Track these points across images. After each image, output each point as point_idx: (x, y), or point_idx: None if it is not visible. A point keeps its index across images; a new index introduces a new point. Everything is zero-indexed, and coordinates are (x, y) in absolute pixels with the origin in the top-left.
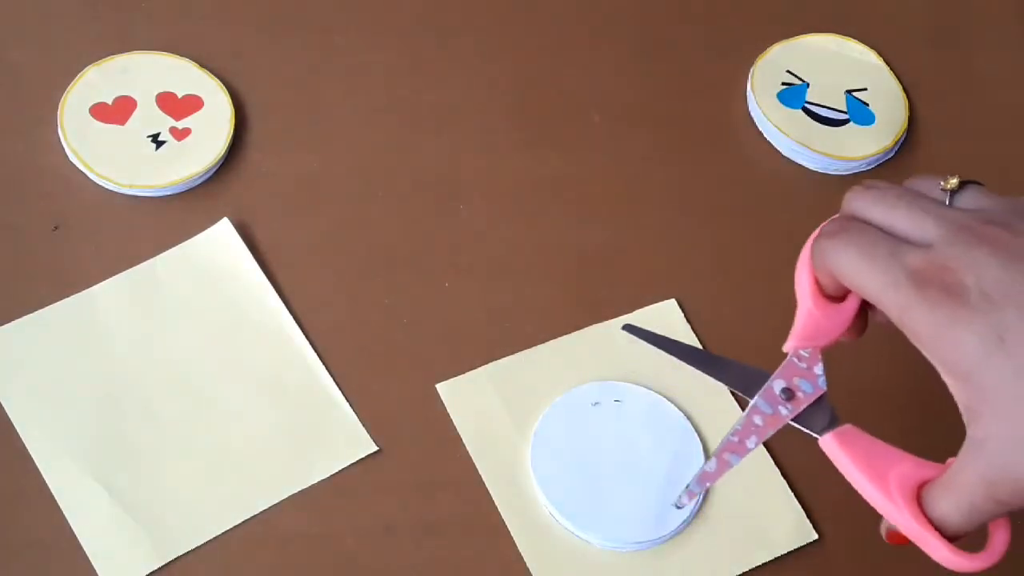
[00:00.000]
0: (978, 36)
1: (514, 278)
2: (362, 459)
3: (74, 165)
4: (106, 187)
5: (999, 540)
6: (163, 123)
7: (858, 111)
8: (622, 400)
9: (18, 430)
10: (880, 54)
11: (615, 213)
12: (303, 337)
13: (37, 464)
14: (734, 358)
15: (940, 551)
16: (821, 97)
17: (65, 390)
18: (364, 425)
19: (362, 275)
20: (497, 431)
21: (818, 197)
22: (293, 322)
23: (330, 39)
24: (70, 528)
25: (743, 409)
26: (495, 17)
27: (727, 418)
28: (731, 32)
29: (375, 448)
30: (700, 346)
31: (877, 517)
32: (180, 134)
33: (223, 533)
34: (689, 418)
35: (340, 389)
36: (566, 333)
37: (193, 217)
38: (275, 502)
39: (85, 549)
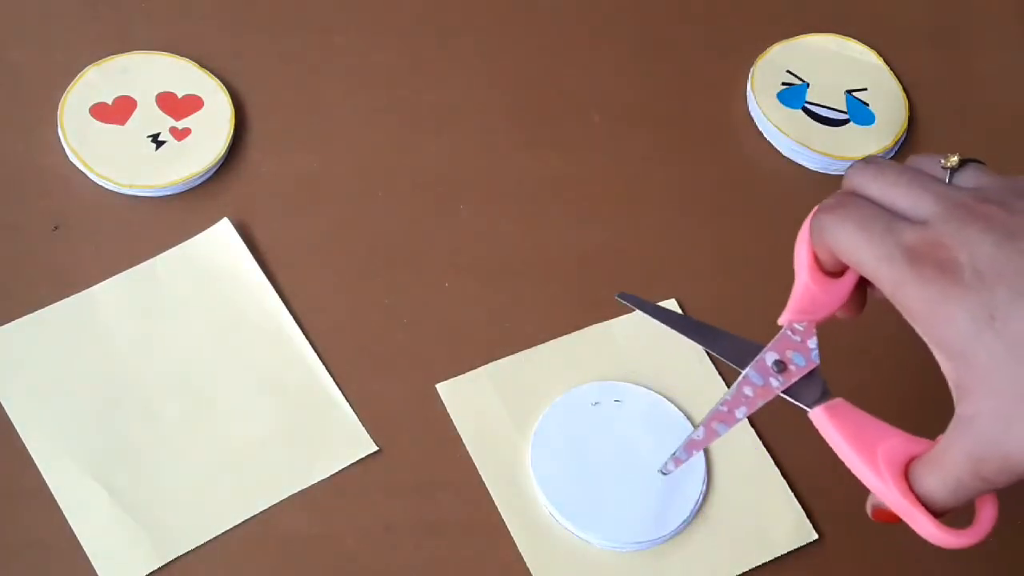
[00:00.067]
0: (978, 36)
1: (514, 278)
2: (362, 459)
3: (74, 165)
4: (106, 187)
5: (986, 517)
6: (163, 123)
7: (858, 111)
8: (622, 400)
9: (18, 430)
10: (880, 54)
11: (615, 213)
12: (303, 337)
13: (37, 464)
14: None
15: (926, 527)
16: (821, 97)
17: (65, 390)
18: (364, 425)
19: (362, 275)
20: (497, 431)
21: (818, 197)
22: (293, 322)
23: (330, 39)
24: (70, 528)
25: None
26: (495, 17)
27: None
28: (731, 32)
29: (375, 448)
30: (700, 346)
31: None
32: (180, 134)
33: (223, 533)
34: (689, 418)
35: (340, 389)
36: (566, 333)
37: (193, 217)
38: (275, 502)
39: (85, 549)
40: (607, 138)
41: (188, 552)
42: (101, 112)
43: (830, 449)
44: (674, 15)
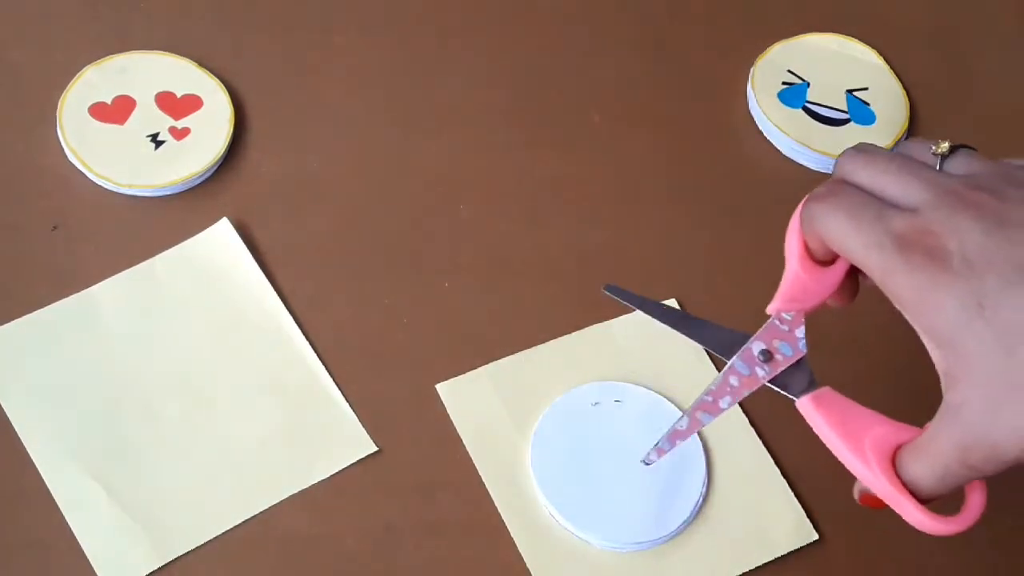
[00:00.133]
0: (978, 36)
1: (514, 278)
2: (362, 459)
3: (73, 165)
4: (106, 187)
5: (974, 504)
6: (162, 123)
7: (859, 111)
8: (622, 400)
9: (18, 430)
10: (881, 54)
11: (615, 213)
12: (303, 337)
13: (37, 464)
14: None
15: (914, 514)
16: (822, 97)
17: (64, 390)
18: (364, 425)
19: (362, 275)
20: (497, 431)
21: None
22: (293, 322)
23: (330, 39)
24: (70, 528)
25: (742, 408)
26: (495, 17)
27: (727, 418)
28: (731, 32)
29: (375, 448)
30: (699, 345)
31: (877, 518)
32: (179, 134)
33: (223, 533)
34: None
35: (340, 389)
36: (566, 333)
37: (193, 217)
38: (275, 502)
39: (84, 549)
40: (607, 138)
41: (188, 552)
42: (100, 112)
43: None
44: (674, 15)
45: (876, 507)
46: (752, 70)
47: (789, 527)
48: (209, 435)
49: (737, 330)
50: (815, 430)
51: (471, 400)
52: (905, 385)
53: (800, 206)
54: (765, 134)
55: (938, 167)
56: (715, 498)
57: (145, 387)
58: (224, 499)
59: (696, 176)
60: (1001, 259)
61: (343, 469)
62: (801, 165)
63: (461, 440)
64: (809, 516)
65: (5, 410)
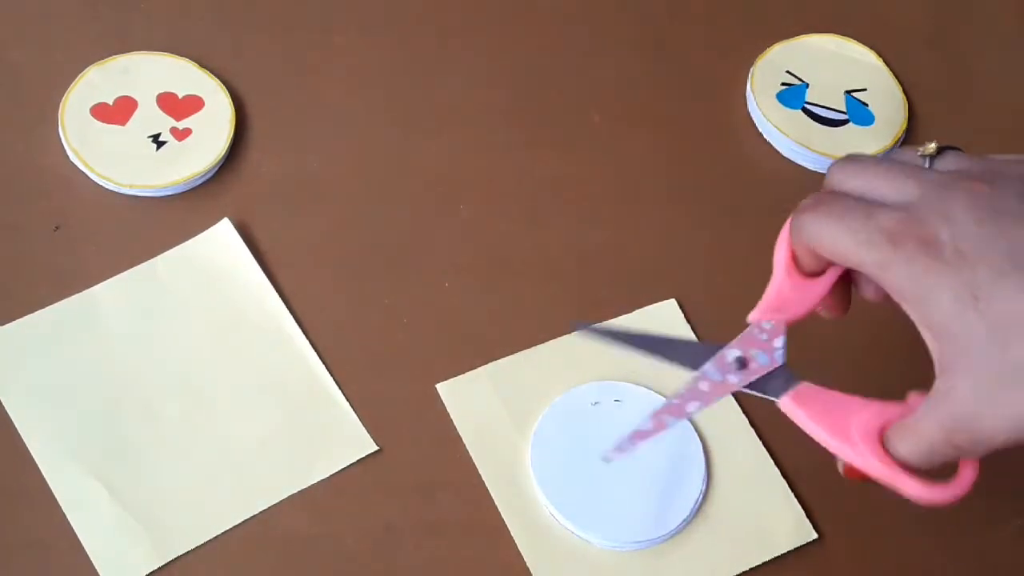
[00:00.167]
0: (978, 36)
1: (514, 278)
2: (362, 459)
3: (75, 165)
4: (107, 187)
5: (968, 471)
6: (164, 123)
7: (858, 111)
8: (622, 400)
9: (18, 430)
10: (879, 54)
11: (615, 213)
12: (303, 337)
13: (38, 464)
14: None
15: (912, 487)
16: (821, 97)
17: (65, 390)
18: (364, 425)
19: (362, 275)
20: (497, 431)
21: None
22: (293, 322)
23: (330, 39)
24: (71, 528)
25: (742, 408)
26: (495, 17)
27: (727, 418)
28: (731, 32)
29: (375, 448)
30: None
31: (877, 518)
32: (181, 134)
33: (223, 533)
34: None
35: (340, 389)
36: (566, 333)
37: (193, 217)
38: (275, 502)
39: (86, 548)
40: (607, 138)
41: (188, 552)
42: (102, 112)
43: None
44: (674, 15)
45: (861, 480)
46: (751, 71)
47: (789, 526)
48: (209, 435)
49: (719, 343)
50: (801, 426)
51: (471, 400)
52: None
53: (790, 218)
54: (764, 135)
55: (928, 167)
56: (715, 498)
57: (146, 387)
58: (224, 499)
59: (696, 176)
60: (994, 249)
61: (343, 469)
62: (800, 166)
63: (461, 440)
64: (809, 515)
65: (7, 409)
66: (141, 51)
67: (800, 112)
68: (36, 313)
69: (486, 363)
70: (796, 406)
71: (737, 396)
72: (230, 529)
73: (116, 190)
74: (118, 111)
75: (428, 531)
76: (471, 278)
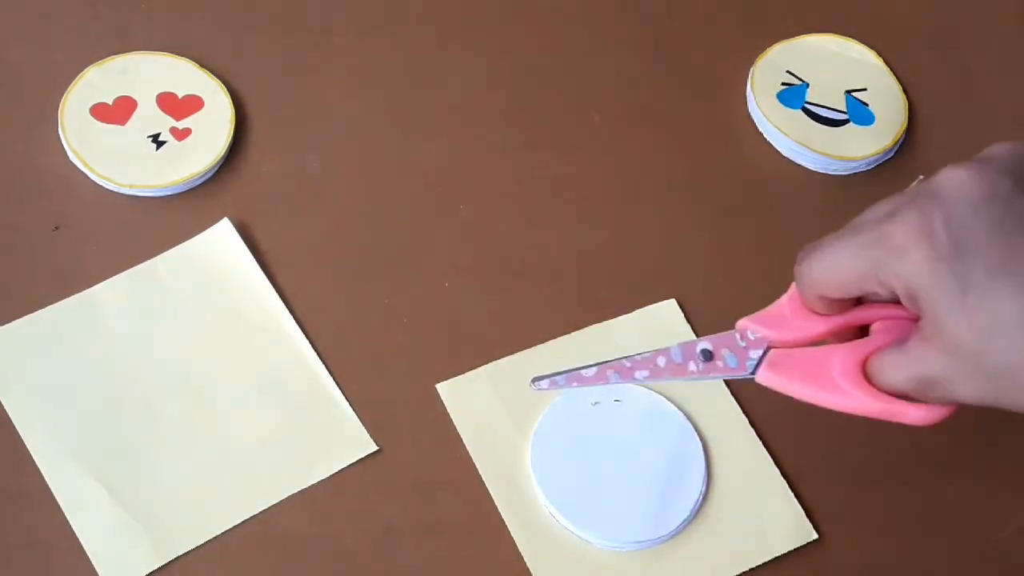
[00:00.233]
0: (978, 36)
1: (514, 278)
2: (362, 459)
3: (74, 165)
4: (106, 187)
5: None
6: (163, 123)
7: (858, 111)
8: (622, 400)
9: (18, 430)
10: (880, 54)
11: (615, 213)
12: (303, 337)
13: (38, 464)
14: None
15: (913, 412)
16: (821, 97)
17: (65, 390)
18: (364, 425)
19: (362, 275)
20: (497, 431)
21: (818, 197)
22: (293, 322)
23: (330, 39)
24: (70, 528)
25: (743, 407)
26: (495, 17)
27: (727, 418)
28: (731, 32)
29: (375, 448)
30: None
31: (877, 517)
32: (180, 134)
33: (223, 533)
34: (689, 418)
35: (340, 389)
36: (566, 333)
37: (193, 217)
38: (275, 502)
39: (85, 548)
40: (607, 138)
41: (188, 552)
42: (101, 112)
43: (830, 449)
44: (674, 15)
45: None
46: (752, 71)
47: (788, 527)
48: (209, 435)
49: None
50: (785, 393)
51: (471, 400)
52: None
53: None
54: (764, 135)
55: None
56: (715, 498)
57: (146, 387)
58: (224, 499)
59: (696, 176)
60: (987, 247)
61: (343, 469)
62: (800, 166)
63: (461, 440)
64: (808, 516)
65: (7, 409)
66: (141, 51)
67: (800, 112)
68: (36, 313)
69: (486, 363)
70: (774, 375)
71: (737, 396)
72: (230, 529)
73: (116, 190)
74: (118, 111)
75: (428, 531)
76: (471, 278)
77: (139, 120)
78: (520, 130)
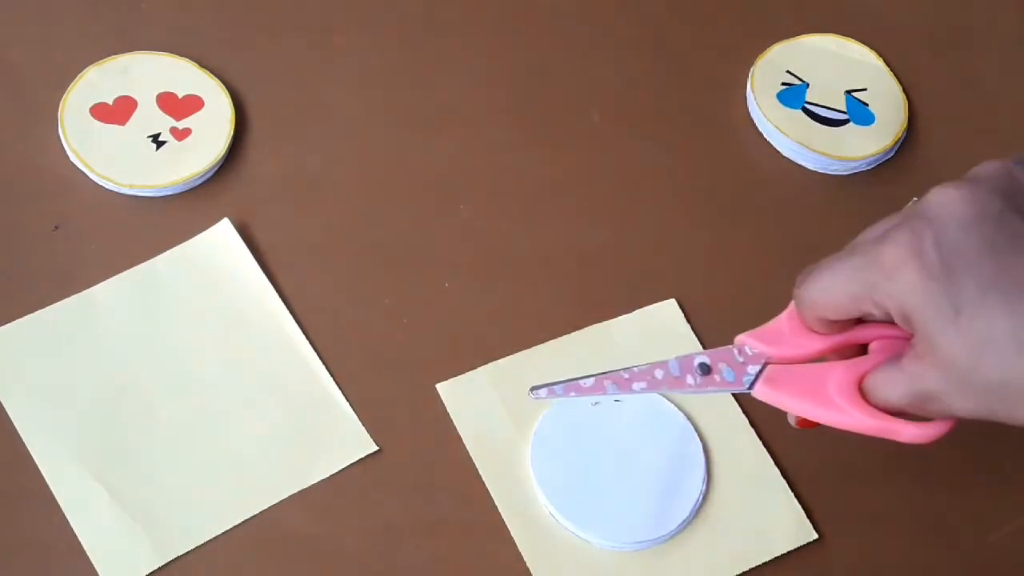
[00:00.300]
0: (978, 36)
1: (514, 278)
2: (362, 459)
3: (74, 165)
4: (106, 187)
5: None
6: (163, 123)
7: (858, 111)
8: (622, 400)
9: (18, 430)
10: (880, 54)
11: (615, 213)
12: (303, 337)
13: (38, 464)
14: None
15: (908, 431)
16: (821, 97)
17: (65, 390)
18: (364, 425)
19: (362, 275)
20: (497, 431)
21: (818, 197)
22: (293, 322)
23: (330, 39)
24: (70, 528)
25: (742, 408)
26: (495, 17)
27: (727, 418)
28: (731, 32)
29: (375, 448)
30: (699, 344)
31: (877, 517)
32: (180, 134)
33: (223, 533)
34: (689, 418)
35: (340, 389)
36: (566, 333)
37: (193, 217)
38: (275, 502)
39: (85, 549)
40: (607, 138)
41: (188, 552)
42: (102, 112)
43: (830, 449)
44: (674, 15)
45: (811, 427)
46: (751, 70)
47: (789, 527)
48: (209, 435)
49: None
50: (782, 408)
51: (471, 400)
52: None
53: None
54: (764, 134)
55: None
56: (715, 498)
57: (146, 387)
58: (224, 499)
59: (696, 176)
60: (978, 265)
61: (343, 469)
62: (800, 165)
63: (461, 440)
64: (809, 516)
65: (7, 410)
66: (141, 51)
67: (800, 112)
68: (36, 313)
69: (486, 363)
70: (771, 390)
71: (737, 397)
72: (230, 529)
73: (116, 190)
74: (118, 111)
75: (428, 531)
76: (471, 278)
77: (139, 120)
78: (520, 130)
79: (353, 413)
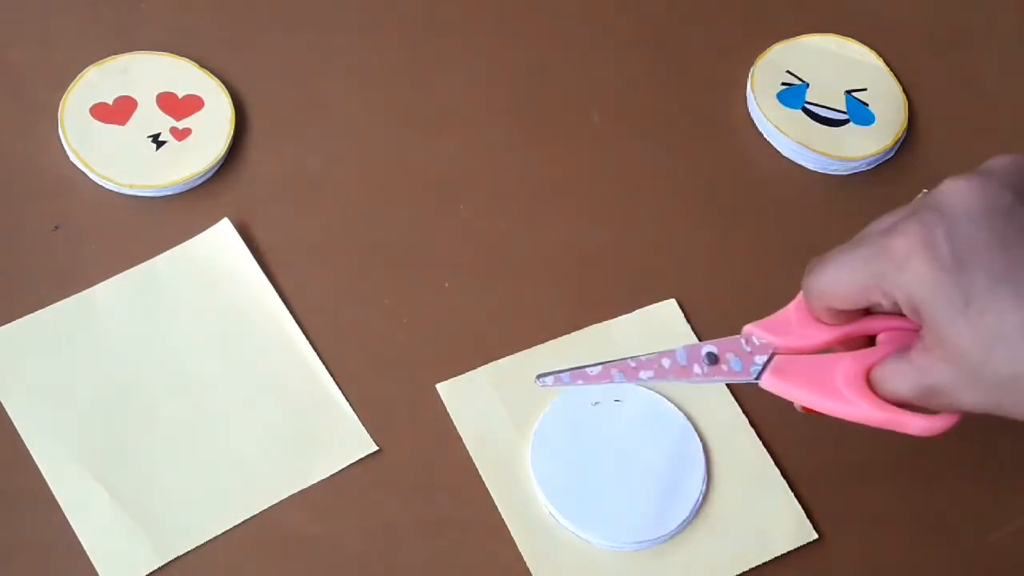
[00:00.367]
0: (978, 36)
1: (514, 278)
2: (362, 459)
3: (74, 165)
4: (106, 187)
5: None
6: (164, 123)
7: (858, 111)
8: (622, 400)
9: (18, 430)
10: (880, 54)
11: (615, 213)
12: (303, 337)
13: (38, 464)
14: None
15: (916, 423)
16: (821, 97)
17: (65, 390)
18: (364, 425)
19: (362, 275)
20: (497, 431)
21: (818, 197)
22: (293, 322)
23: (330, 39)
24: (71, 528)
25: (743, 408)
26: (495, 17)
27: (727, 418)
28: (731, 32)
29: (375, 448)
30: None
31: (877, 517)
32: (180, 134)
33: (223, 533)
34: (689, 418)
35: (340, 389)
36: (566, 333)
37: (193, 217)
38: (275, 502)
39: (85, 549)
40: (607, 138)
41: (188, 552)
42: (102, 112)
43: (830, 449)
44: (674, 15)
45: (816, 414)
46: (752, 70)
47: (789, 527)
48: (209, 435)
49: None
50: (789, 399)
51: (471, 400)
52: None
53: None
54: (764, 134)
55: None
56: (715, 498)
57: (146, 387)
58: (224, 499)
59: (696, 176)
60: (988, 256)
61: (343, 469)
62: (800, 165)
63: (461, 440)
64: (809, 516)
65: (7, 410)
66: (141, 51)
67: (800, 112)
68: (36, 313)
69: (486, 363)
70: (779, 380)
71: (737, 396)
72: (230, 529)
73: (116, 190)
74: (118, 111)
75: (428, 531)
76: (471, 278)
77: (139, 120)
78: (520, 130)
79: (353, 413)
